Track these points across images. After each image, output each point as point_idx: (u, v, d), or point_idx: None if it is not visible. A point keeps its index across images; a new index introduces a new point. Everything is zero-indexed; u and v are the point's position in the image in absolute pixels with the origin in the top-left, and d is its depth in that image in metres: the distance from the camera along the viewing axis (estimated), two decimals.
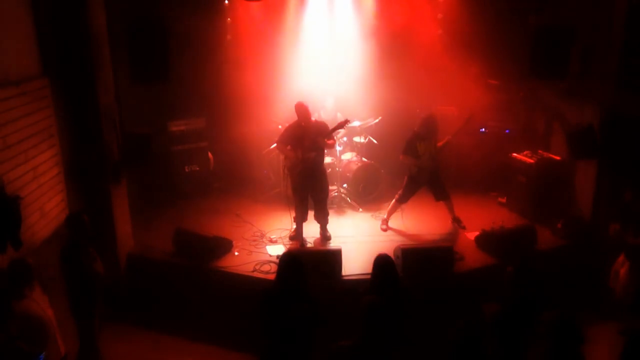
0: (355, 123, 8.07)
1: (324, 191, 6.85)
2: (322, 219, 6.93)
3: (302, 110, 6.53)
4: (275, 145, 6.96)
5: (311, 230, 7.10)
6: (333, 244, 6.75)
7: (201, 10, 7.93)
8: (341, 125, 6.66)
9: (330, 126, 6.67)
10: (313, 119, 6.71)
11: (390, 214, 7.27)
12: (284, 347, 4.11)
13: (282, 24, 8.29)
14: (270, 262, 6.24)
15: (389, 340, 3.50)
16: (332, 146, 7.02)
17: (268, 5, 8.08)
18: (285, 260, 4.19)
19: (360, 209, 7.76)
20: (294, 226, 6.92)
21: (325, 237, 6.93)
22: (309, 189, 6.77)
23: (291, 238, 6.92)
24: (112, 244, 6.31)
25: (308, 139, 6.50)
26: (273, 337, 4.14)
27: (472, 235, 6.82)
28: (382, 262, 4.47)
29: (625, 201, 5.77)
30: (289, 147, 6.64)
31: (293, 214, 6.83)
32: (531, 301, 4.12)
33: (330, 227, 7.17)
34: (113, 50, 6.20)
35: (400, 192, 7.15)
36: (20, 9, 5.19)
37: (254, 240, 6.88)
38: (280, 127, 8.11)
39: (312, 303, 4.11)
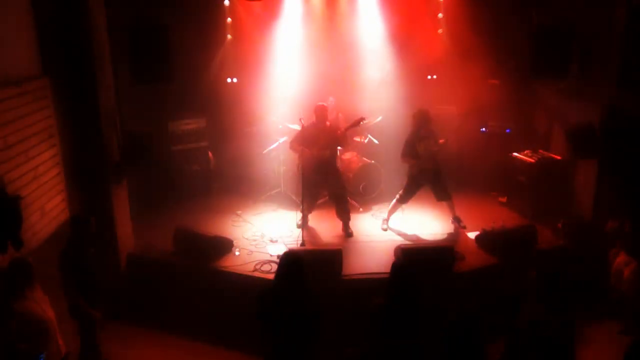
0: None
1: (341, 187, 7.02)
2: (344, 216, 7.04)
3: (321, 112, 6.79)
4: (289, 145, 7.09)
5: (317, 230, 7.16)
6: (332, 244, 6.74)
7: (201, 10, 7.92)
8: (356, 122, 6.80)
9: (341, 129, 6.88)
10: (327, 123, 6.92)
11: (390, 213, 7.27)
12: (283, 346, 4.11)
13: (282, 24, 8.28)
14: (271, 261, 6.24)
15: (399, 342, 3.50)
16: (349, 144, 7.29)
17: (268, 5, 8.07)
18: (286, 260, 4.19)
19: (361, 209, 7.76)
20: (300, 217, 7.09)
21: (347, 234, 7.02)
22: (322, 186, 7.03)
23: (298, 226, 7.07)
24: (113, 244, 6.31)
25: (324, 141, 6.71)
26: (272, 336, 4.14)
27: (472, 235, 6.82)
28: (405, 278, 4.10)
29: (624, 197, 5.77)
30: (302, 149, 6.75)
31: (300, 206, 6.96)
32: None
33: (330, 227, 7.20)
34: (113, 50, 6.19)
35: (401, 192, 7.15)
36: (21, 9, 5.19)
37: (255, 240, 6.89)
38: (280, 126, 8.13)
39: (312, 302, 4.10)
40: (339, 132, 6.81)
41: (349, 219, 7.07)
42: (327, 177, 6.90)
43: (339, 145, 7.03)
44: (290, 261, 4.16)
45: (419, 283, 4.19)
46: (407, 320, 3.89)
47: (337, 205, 7.04)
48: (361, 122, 6.84)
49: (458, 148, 8.02)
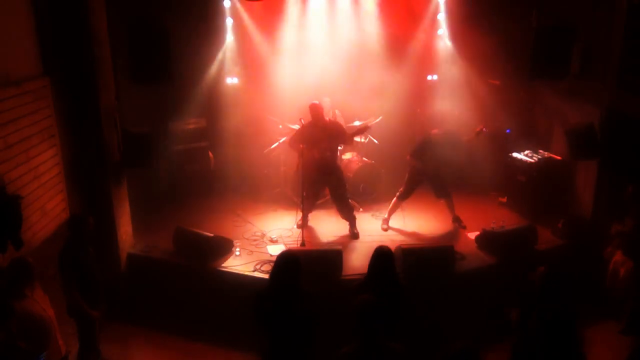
0: (356, 123, 8.09)
1: (342, 186, 7.01)
2: (348, 215, 7.04)
3: (316, 110, 6.78)
4: (288, 143, 7.11)
5: (317, 230, 7.16)
6: (332, 244, 6.75)
7: (202, 11, 7.92)
8: (361, 130, 6.84)
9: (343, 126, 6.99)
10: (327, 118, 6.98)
11: (391, 212, 7.27)
12: (281, 346, 4.11)
13: (282, 24, 8.28)
14: (271, 261, 6.22)
15: (387, 337, 3.49)
16: (352, 143, 7.29)
17: (268, 5, 8.08)
18: (283, 260, 4.18)
19: (361, 209, 7.76)
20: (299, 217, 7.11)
21: (353, 234, 7.00)
22: (324, 185, 7.06)
23: (298, 226, 7.07)
24: (112, 244, 6.31)
25: (324, 140, 6.70)
26: (269, 336, 4.13)
27: (472, 235, 6.82)
28: (380, 253, 4.45)
29: (627, 198, 5.77)
30: (302, 146, 6.72)
31: (300, 205, 6.98)
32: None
33: (330, 227, 7.20)
34: (113, 50, 6.19)
35: (401, 189, 7.16)
36: (21, 9, 5.19)
37: (255, 240, 6.89)
38: (280, 126, 8.13)
39: (309, 303, 4.09)
40: (345, 135, 6.81)
41: (354, 218, 7.06)
42: (328, 176, 6.90)
43: (340, 143, 7.00)
44: (287, 261, 4.15)
45: (396, 270, 4.45)
46: (392, 309, 3.89)
47: (339, 204, 7.02)
48: (365, 131, 6.88)
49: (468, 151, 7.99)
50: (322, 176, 6.89)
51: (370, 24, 8.33)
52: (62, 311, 4.74)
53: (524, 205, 7.52)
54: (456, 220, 7.22)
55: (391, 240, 6.88)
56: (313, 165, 6.78)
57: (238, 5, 8.18)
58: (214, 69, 8.26)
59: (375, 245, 6.62)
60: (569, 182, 7.43)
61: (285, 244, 6.74)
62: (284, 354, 4.13)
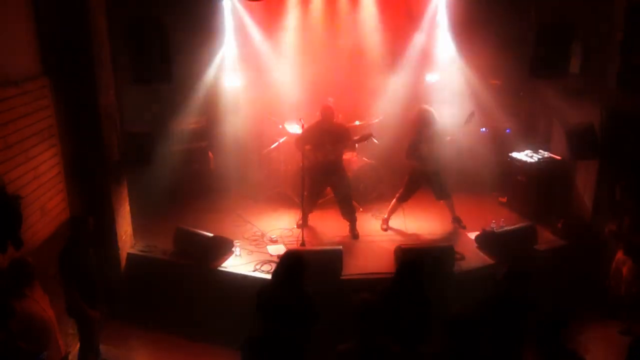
0: (355, 123, 8.09)
1: (346, 186, 7.01)
2: (350, 216, 7.03)
3: (327, 112, 6.76)
4: (294, 143, 7.06)
5: (317, 230, 7.17)
6: (332, 244, 6.74)
7: (202, 10, 7.92)
8: (364, 138, 6.81)
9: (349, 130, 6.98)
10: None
11: (391, 213, 7.27)
12: (281, 345, 4.11)
13: (282, 24, 8.28)
14: (271, 261, 6.23)
15: (386, 337, 3.50)
16: (355, 149, 7.33)
17: (268, 5, 8.07)
18: (288, 260, 4.17)
19: (361, 209, 7.75)
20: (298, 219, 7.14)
21: (354, 234, 7.00)
22: (325, 185, 7.06)
23: (298, 226, 7.08)
24: (112, 244, 6.31)
25: (329, 142, 6.71)
26: (269, 335, 4.13)
27: (472, 235, 6.82)
28: (409, 263, 4.53)
29: (617, 198, 5.78)
30: (308, 147, 6.72)
31: (301, 205, 6.97)
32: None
33: (330, 227, 7.20)
34: (113, 50, 6.20)
35: (401, 190, 7.16)
36: (21, 9, 5.19)
37: (255, 240, 6.89)
38: (280, 126, 8.13)
39: (309, 303, 4.10)
40: (349, 141, 6.81)
41: (355, 219, 7.05)
42: (332, 177, 6.89)
43: (343, 147, 6.98)
44: (292, 261, 4.15)
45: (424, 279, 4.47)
46: (411, 317, 3.88)
47: (342, 205, 7.01)
48: (370, 138, 6.87)
49: (458, 149, 8.00)
50: (325, 176, 6.88)
51: (370, 24, 8.32)
52: (62, 311, 4.74)
53: (524, 205, 7.52)
54: (456, 220, 7.22)
55: (391, 240, 6.88)
56: (316, 165, 6.78)
57: (238, 5, 8.17)
58: (213, 68, 8.25)
59: (375, 245, 6.75)
60: (568, 182, 7.43)
61: (285, 244, 6.74)
62: (284, 353, 4.13)
